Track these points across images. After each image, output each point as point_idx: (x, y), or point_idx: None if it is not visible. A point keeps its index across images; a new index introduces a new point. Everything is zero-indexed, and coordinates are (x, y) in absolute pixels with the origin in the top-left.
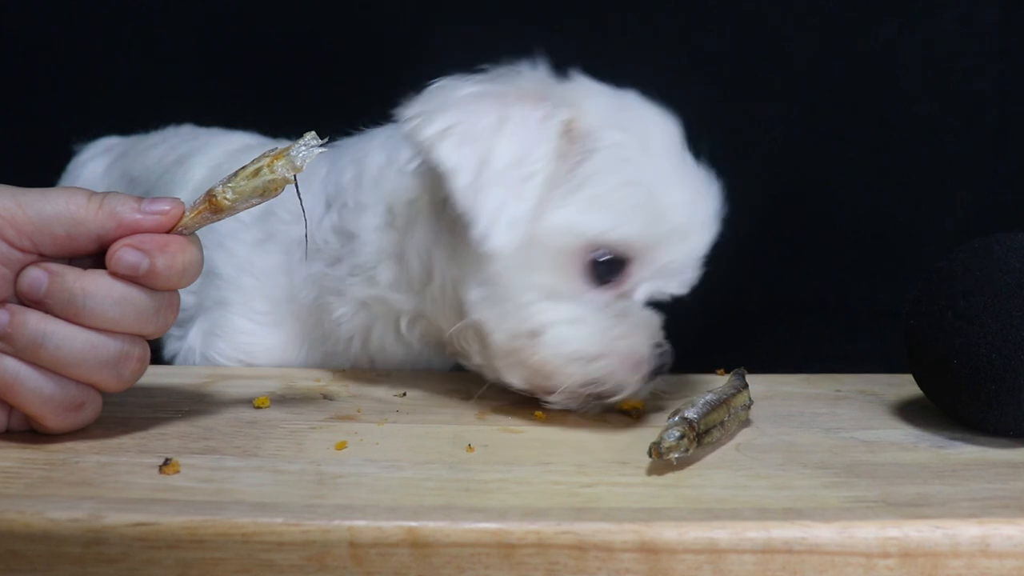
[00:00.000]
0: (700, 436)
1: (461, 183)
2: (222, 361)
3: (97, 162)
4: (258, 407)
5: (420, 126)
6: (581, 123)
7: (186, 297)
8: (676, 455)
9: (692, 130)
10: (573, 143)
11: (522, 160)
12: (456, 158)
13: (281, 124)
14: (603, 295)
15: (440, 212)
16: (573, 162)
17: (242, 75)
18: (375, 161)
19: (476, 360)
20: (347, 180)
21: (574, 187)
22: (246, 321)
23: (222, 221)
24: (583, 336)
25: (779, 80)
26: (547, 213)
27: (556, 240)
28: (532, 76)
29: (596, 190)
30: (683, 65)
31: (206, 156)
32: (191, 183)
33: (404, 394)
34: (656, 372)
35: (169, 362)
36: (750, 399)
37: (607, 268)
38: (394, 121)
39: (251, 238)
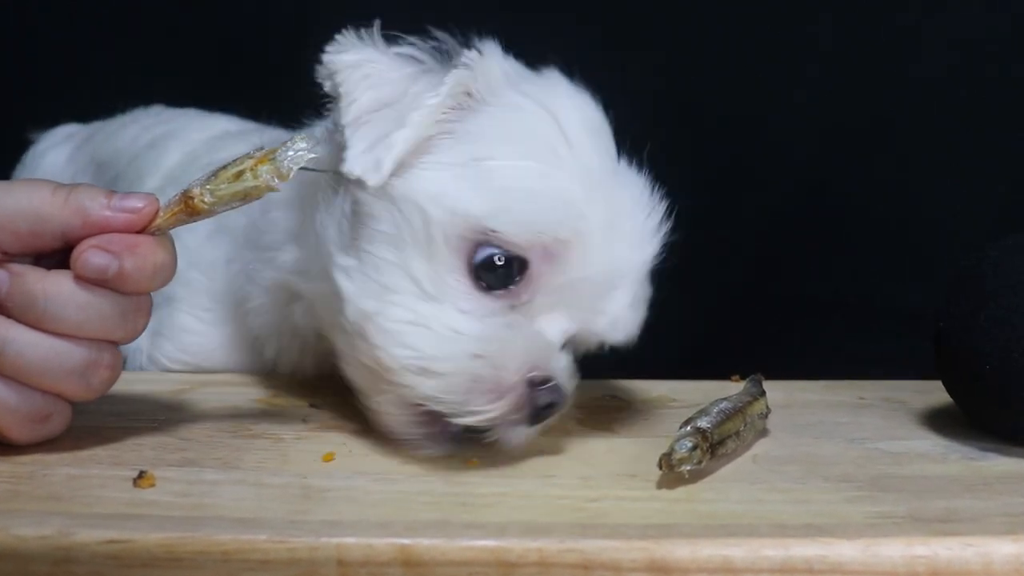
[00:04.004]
0: (714, 447)
1: (351, 112)
2: (167, 363)
3: (59, 150)
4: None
5: (336, 53)
6: (479, 84)
7: None
8: (688, 467)
9: (702, 126)
10: (468, 101)
11: (410, 108)
12: (356, 90)
13: (256, 108)
14: (489, 303)
15: (336, 185)
16: (461, 115)
17: (215, 60)
18: (279, 135)
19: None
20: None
21: (455, 145)
22: (191, 319)
23: None
24: (424, 343)
25: (795, 75)
26: (422, 173)
27: (427, 211)
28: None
29: (480, 157)
30: (691, 61)
31: (181, 141)
32: (163, 169)
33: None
34: (536, 415)
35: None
36: (767, 407)
37: (496, 273)
38: None
39: (205, 229)
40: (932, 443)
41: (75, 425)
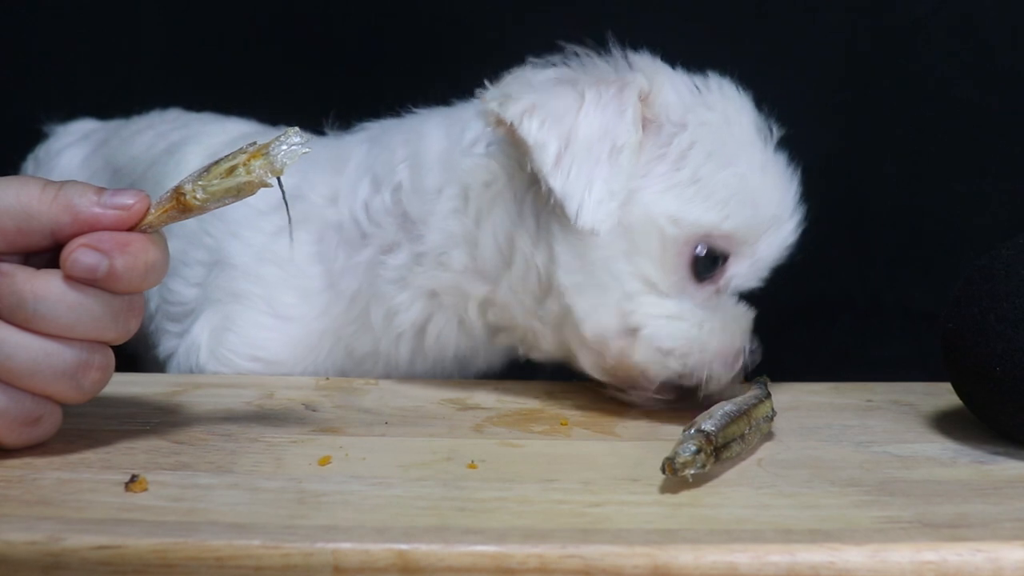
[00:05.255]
0: (718, 450)
1: (548, 159)
2: (232, 358)
3: (74, 151)
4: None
5: (504, 105)
6: (658, 96)
7: (187, 290)
8: (692, 471)
9: None
10: (653, 116)
11: (606, 133)
12: (542, 134)
13: (272, 110)
14: (702, 290)
15: (521, 195)
16: (664, 139)
17: (228, 54)
18: (435, 142)
19: (546, 347)
20: (399, 161)
21: (673, 170)
22: (264, 315)
23: (234, 206)
24: (682, 333)
25: (803, 65)
26: (649, 198)
27: (663, 229)
28: (601, 60)
29: (698, 176)
30: (693, 59)
31: (201, 146)
32: (184, 176)
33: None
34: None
35: (164, 361)
36: (773, 410)
37: (708, 263)
38: (447, 104)
39: (271, 226)
40: (941, 447)
41: (66, 428)
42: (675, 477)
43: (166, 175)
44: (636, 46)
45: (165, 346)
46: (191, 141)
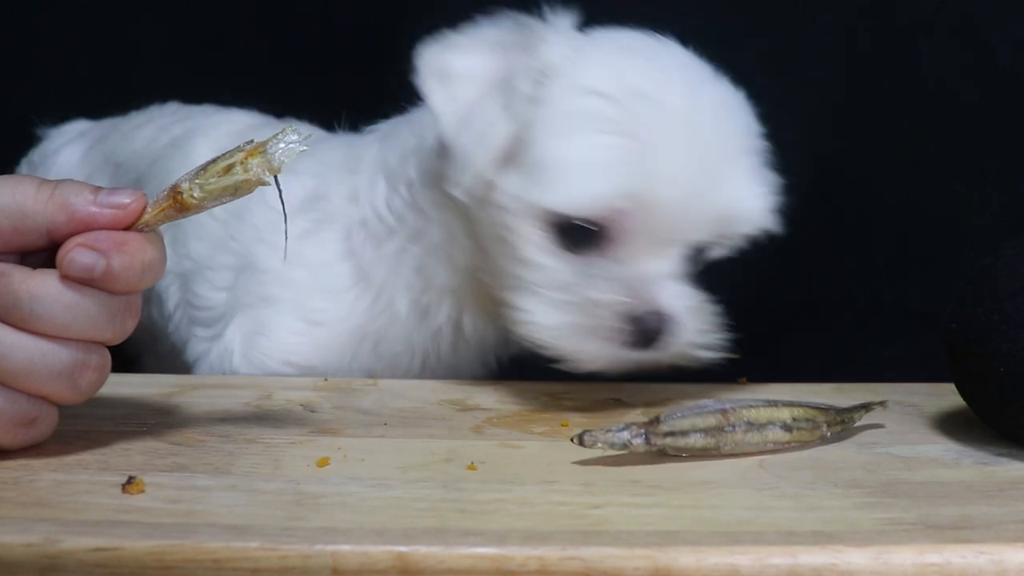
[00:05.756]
0: (664, 435)
1: (441, 129)
2: (266, 362)
3: (71, 149)
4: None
5: (426, 58)
6: (547, 69)
7: (215, 294)
8: (601, 443)
9: None
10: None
11: (491, 111)
12: (442, 105)
13: (272, 110)
14: (586, 263)
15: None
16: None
17: (228, 54)
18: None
19: None
20: (409, 154)
21: (524, 145)
22: (295, 320)
23: (258, 211)
24: (535, 309)
25: (804, 65)
26: (502, 181)
27: (506, 213)
28: (513, 27)
29: (542, 151)
30: (698, 52)
31: (208, 138)
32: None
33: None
34: (644, 342)
35: (193, 364)
36: (792, 420)
37: (586, 238)
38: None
39: (297, 229)
40: (944, 448)
41: (62, 429)
42: (582, 446)
43: (172, 170)
44: None
45: (193, 350)
46: (198, 134)
